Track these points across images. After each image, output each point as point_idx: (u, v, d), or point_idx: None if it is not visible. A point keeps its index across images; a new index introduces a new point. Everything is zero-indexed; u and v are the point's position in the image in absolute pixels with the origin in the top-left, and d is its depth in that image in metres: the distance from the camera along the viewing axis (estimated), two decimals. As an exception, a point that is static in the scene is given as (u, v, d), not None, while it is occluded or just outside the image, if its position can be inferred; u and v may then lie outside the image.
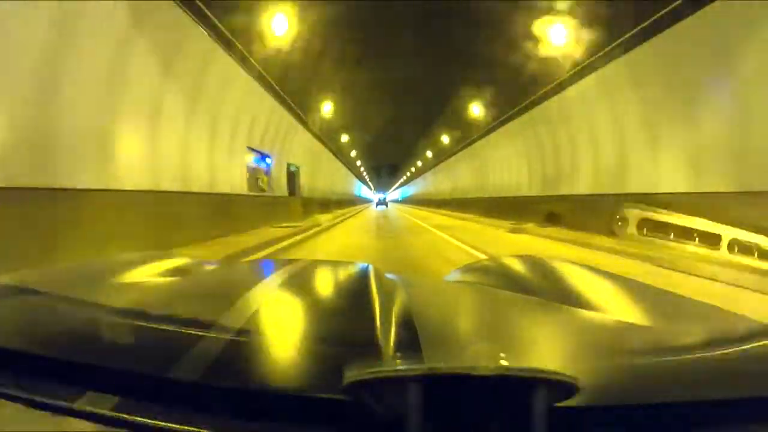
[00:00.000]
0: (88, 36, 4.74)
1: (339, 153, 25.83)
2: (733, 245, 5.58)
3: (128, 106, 5.76)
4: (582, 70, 9.06)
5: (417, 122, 22.61)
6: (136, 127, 6.05)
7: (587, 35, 8.18)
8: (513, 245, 8.21)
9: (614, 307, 0.84)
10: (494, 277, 1.22)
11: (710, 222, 6.00)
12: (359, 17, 9.87)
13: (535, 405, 0.40)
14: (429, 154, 29.83)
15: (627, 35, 7.47)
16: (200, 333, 0.56)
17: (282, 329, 0.70)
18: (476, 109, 16.06)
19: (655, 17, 6.68)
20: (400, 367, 0.43)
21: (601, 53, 8.27)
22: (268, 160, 13.07)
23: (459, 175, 24.52)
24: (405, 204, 50.44)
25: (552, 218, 10.89)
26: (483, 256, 5.49)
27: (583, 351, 0.66)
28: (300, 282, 1.03)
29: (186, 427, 0.44)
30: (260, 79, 10.25)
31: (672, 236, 6.66)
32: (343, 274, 1.23)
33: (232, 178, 10.03)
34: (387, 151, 33.76)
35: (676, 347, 0.66)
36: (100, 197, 4.99)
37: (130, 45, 5.63)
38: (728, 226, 5.70)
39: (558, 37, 8.70)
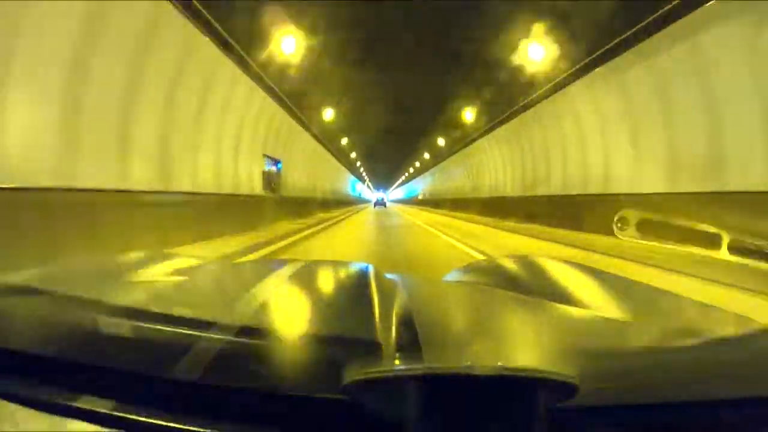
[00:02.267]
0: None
1: (333, 147, 22.10)
2: (733, 246, 5.57)
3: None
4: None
5: (426, 101, 16.87)
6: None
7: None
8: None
9: (614, 307, 0.84)
10: (494, 277, 1.21)
11: (711, 222, 5.99)
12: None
13: (535, 405, 0.40)
14: (441, 141, 23.71)
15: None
16: (200, 333, 0.56)
17: (282, 329, 0.70)
18: (515, 70, 10.62)
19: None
20: (400, 367, 0.43)
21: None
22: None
23: (483, 168, 19.09)
24: (411, 205, 41.86)
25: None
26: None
27: (582, 351, 0.66)
28: (300, 282, 1.02)
29: (186, 427, 0.44)
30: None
31: (672, 237, 6.65)
32: (343, 273, 1.23)
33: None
34: (388, 142, 27.40)
35: (676, 347, 0.66)
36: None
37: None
38: (729, 227, 5.70)
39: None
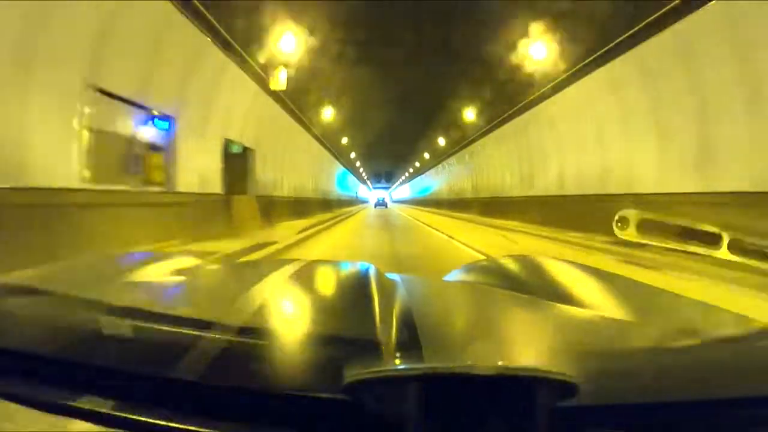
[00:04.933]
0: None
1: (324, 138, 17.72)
2: (733, 245, 5.57)
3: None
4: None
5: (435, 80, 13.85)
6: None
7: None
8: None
9: (614, 307, 0.84)
10: (494, 277, 1.21)
11: (710, 222, 5.99)
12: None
13: (535, 405, 0.40)
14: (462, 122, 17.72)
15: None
16: (200, 333, 0.56)
17: (282, 329, 0.70)
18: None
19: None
20: (400, 367, 0.43)
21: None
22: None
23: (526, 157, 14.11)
24: (419, 207, 32.96)
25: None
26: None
27: (583, 351, 0.66)
28: (300, 282, 1.02)
29: (186, 427, 0.44)
30: None
31: (672, 236, 6.65)
32: (343, 273, 1.23)
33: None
34: (390, 130, 22.30)
35: (676, 347, 0.66)
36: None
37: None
38: (728, 227, 5.70)
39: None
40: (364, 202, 46.83)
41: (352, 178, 37.80)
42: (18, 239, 3.86)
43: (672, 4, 6.38)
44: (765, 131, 5.72)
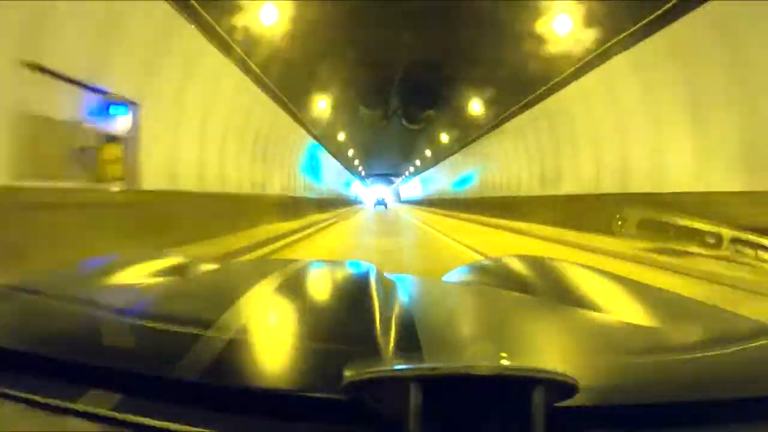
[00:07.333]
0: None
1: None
2: (734, 245, 5.56)
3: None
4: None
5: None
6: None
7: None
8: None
9: (614, 307, 0.84)
10: (494, 277, 1.21)
11: (711, 222, 5.98)
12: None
13: (534, 405, 0.39)
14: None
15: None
16: (200, 333, 0.56)
17: (282, 329, 0.70)
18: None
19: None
20: (400, 367, 0.43)
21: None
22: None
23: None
24: (452, 213, 21.19)
25: None
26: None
27: (583, 351, 0.66)
28: (300, 282, 1.03)
29: (186, 427, 0.44)
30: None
31: (673, 236, 6.64)
32: (343, 273, 1.23)
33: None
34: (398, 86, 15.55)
35: (676, 347, 0.66)
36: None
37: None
38: (729, 226, 5.69)
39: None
40: (358, 203, 35.32)
41: (340, 168, 26.99)
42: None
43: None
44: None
